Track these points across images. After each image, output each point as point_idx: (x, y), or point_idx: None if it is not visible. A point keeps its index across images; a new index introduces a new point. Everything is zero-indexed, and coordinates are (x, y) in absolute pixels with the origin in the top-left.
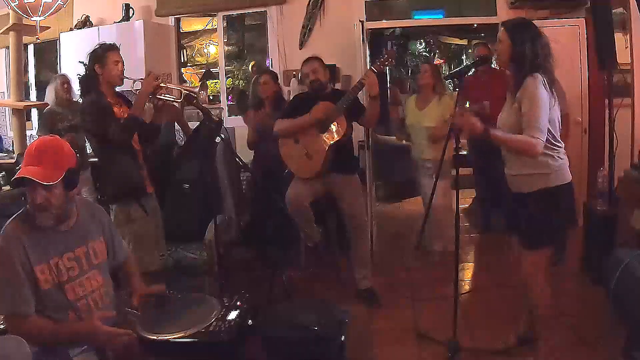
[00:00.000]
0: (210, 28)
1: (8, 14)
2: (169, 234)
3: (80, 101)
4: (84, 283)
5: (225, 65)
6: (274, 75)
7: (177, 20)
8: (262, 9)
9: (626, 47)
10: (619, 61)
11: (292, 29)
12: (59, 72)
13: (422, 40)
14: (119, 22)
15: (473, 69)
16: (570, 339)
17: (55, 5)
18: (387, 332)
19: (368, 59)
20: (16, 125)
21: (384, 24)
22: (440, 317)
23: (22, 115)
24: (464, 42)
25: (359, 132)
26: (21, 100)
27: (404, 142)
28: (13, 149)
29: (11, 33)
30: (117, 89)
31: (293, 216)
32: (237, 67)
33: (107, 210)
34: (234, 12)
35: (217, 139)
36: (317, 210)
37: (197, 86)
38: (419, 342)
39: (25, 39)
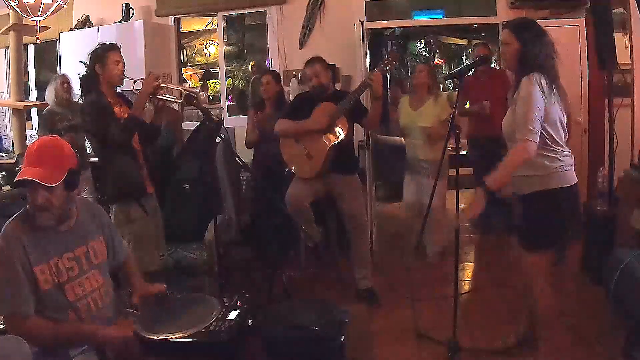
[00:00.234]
0: (210, 28)
1: (8, 14)
2: (169, 234)
3: (80, 101)
4: (83, 283)
5: (225, 65)
6: (276, 76)
7: (177, 20)
8: (262, 9)
9: (626, 47)
10: (619, 61)
11: (292, 29)
12: (59, 72)
13: (422, 40)
14: (119, 22)
15: (473, 69)
16: (570, 339)
17: (55, 5)
18: (387, 332)
19: (368, 59)
20: (16, 125)
21: (384, 24)
22: (440, 317)
23: (22, 115)
24: (464, 42)
25: (359, 132)
26: (21, 100)
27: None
28: (13, 149)
29: (11, 33)
30: (118, 89)
31: (293, 216)
32: (237, 67)
33: (107, 210)
34: (234, 12)
35: (217, 139)
36: (317, 210)
37: (197, 87)
38: (419, 342)
39: (25, 39)
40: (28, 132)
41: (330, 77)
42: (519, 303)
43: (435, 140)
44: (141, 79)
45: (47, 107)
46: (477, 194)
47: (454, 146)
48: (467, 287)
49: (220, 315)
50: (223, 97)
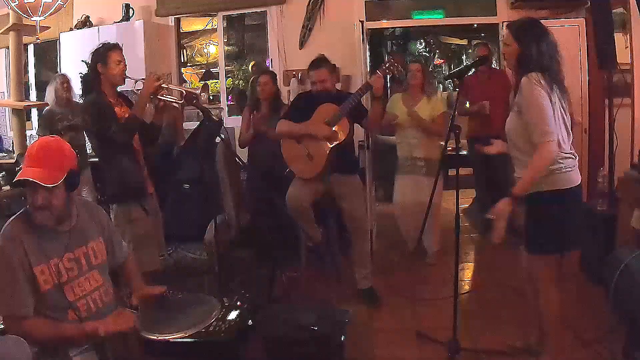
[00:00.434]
0: (210, 28)
1: (8, 14)
2: (169, 234)
3: (80, 101)
4: (83, 283)
5: (225, 65)
6: (274, 76)
7: (177, 20)
8: (262, 9)
9: (626, 47)
10: (619, 61)
11: (292, 29)
12: (59, 72)
13: (422, 40)
14: (119, 22)
15: (473, 69)
16: (570, 339)
17: (55, 5)
18: (387, 332)
19: (368, 59)
20: (16, 125)
21: (384, 24)
22: (440, 317)
23: (22, 115)
24: (464, 42)
25: (359, 132)
26: (21, 100)
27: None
28: (13, 149)
29: (11, 33)
30: (119, 88)
31: (293, 216)
32: (237, 67)
33: (107, 210)
34: (234, 12)
35: (217, 139)
36: (317, 210)
37: (199, 87)
38: (419, 342)
39: (25, 39)
40: (28, 132)
41: (335, 80)
42: (519, 303)
43: (431, 136)
44: (142, 79)
45: (47, 107)
46: (502, 206)
47: (454, 146)
48: (467, 287)
49: (220, 315)
50: (223, 97)
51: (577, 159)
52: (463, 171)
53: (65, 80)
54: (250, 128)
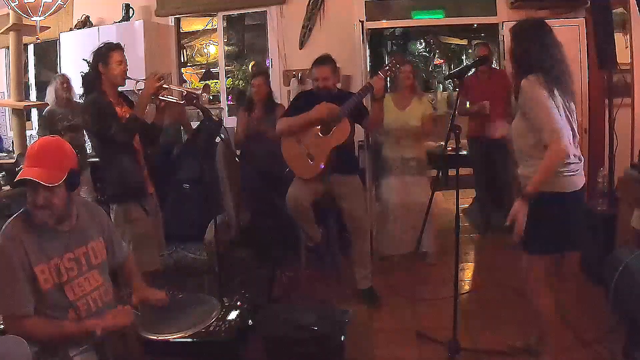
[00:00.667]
0: (210, 28)
1: (8, 14)
2: (169, 234)
3: (81, 101)
4: (83, 283)
5: (225, 65)
6: (267, 77)
7: (177, 20)
8: (262, 9)
9: (626, 47)
10: (619, 61)
11: (292, 29)
12: (59, 72)
13: (422, 40)
14: (119, 22)
15: (473, 69)
16: (570, 339)
17: (55, 5)
18: (387, 332)
19: (368, 59)
20: (16, 125)
21: (384, 24)
22: (440, 317)
23: (22, 115)
24: (464, 42)
25: (359, 132)
26: (21, 100)
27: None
28: (13, 149)
29: (11, 33)
30: (120, 88)
31: (293, 216)
32: (237, 67)
33: (107, 210)
34: (234, 12)
35: (217, 139)
36: (317, 210)
37: (200, 88)
38: (419, 342)
39: (25, 39)
40: (28, 132)
41: (337, 80)
42: (520, 304)
43: (421, 138)
44: (143, 79)
45: (47, 107)
46: (517, 207)
47: (454, 146)
48: (467, 287)
49: (220, 315)
50: (223, 97)
51: (582, 162)
52: (463, 171)
53: (65, 80)
54: (245, 129)
